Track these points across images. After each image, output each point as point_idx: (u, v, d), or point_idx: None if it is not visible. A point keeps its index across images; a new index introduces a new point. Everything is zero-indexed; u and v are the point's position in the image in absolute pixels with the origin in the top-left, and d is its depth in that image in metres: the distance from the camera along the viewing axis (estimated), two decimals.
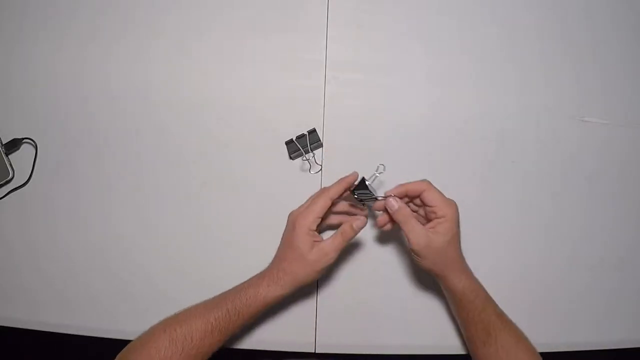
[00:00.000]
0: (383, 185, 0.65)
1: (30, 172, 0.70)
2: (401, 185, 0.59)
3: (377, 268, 0.68)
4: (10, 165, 0.69)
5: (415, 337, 0.66)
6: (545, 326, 0.66)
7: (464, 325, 0.61)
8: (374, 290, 0.67)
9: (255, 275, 0.61)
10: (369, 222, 0.68)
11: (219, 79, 0.73)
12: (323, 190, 0.61)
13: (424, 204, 0.60)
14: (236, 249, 0.68)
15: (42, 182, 0.70)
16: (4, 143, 0.70)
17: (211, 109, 0.72)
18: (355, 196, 0.60)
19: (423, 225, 0.58)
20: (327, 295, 0.67)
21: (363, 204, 0.63)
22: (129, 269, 0.67)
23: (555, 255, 0.69)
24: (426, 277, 0.67)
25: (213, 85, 0.72)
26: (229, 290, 0.60)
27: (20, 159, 0.70)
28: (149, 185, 0.70)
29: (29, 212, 0.69)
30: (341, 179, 0.61)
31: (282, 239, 0.61)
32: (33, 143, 0.70)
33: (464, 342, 0.64)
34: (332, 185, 0.61)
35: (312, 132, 0.69)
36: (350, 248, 0.68)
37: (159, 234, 0.68)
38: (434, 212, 0.58)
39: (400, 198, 0.59)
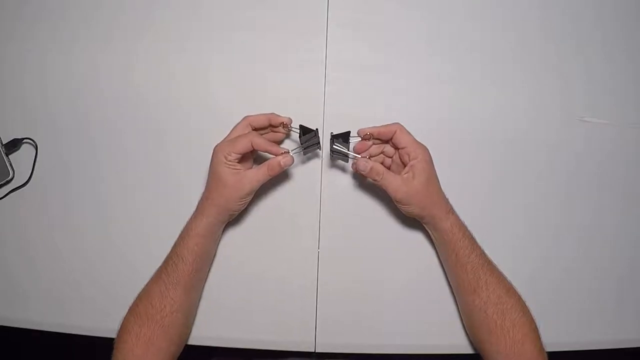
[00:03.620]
0: None
1: (30, 172, 0.70)
2: (374, 127, 0.62)
3: (377, 268, 0.68)
4: (10, 165, 0.69)
5: (416, 337, 0.66)
6: (556, 325, 0.66)
7: (454, 269, 0.61)
8: (374, 289, 0.67)
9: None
10: (373, 226, 0.69)
11: (217, 78, 0.73)
12: (244, 118, 0.63)
13: (396, 147, 0.62)
14: (235, 251, 0.68)
15: (42, 182, 0.70)
16: (4, 143, 0.70)
17: (210, 109, 0.72)
18: (334, 146, 0.62)
19: (399, 173, 0.61)
20: (327, 295, 0.66)
21: (332, 155, 0.65)
22: (128, 270, 0.67)
23: (560, 255, 0.69)
24: (426, 277, 0.67)
25: (212, 85, 0.72)
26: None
27: (20, 159, 0.70)
28: (149, 186, 0.70)
29: (29, 212, 0.69)
30: (272, 113, 0.64)
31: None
32: (33, 143, 0.70)
33: (466, 341, 0.64)
34: (256, 114, 0.63)
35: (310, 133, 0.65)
36: (350, 248, 0.68)
37: (159, 234, 0.68)
38: (407, 154, 0.60)
39: (372, 138, 0.62)
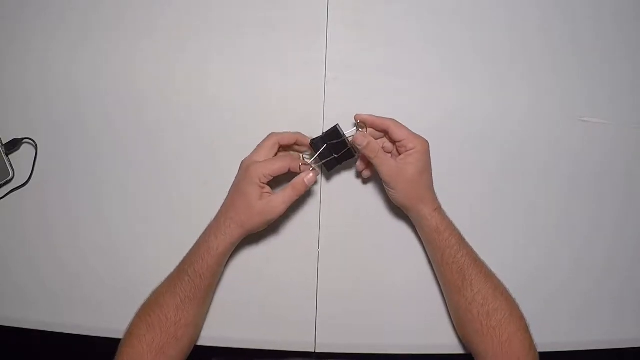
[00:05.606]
0: None
1: (30, 172, 0.70)
2: (371, 115, 0.62)
3: (376, 268, 0.68)
4: (10, 165, 0.69)
5: (416, 337, 0.66)
6: (555, 325, 0.66)
7: (440, 268, 0.61)
8: (374, 289, 0.67)
9: (205, 230, 0.61)
10: (372, 226, 0.69)
11: (217, 79, 0.73)
12: (270, 135, 0.62)
13: (393, 141, 0.62)
14: (235, 251, 0.68)
15: (42, 182, 0.70)
16: (4, 143, 0.70)
17: (210, 109, 0.72)
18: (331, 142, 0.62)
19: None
20: (327, 295, 0.67)
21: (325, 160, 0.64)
22: (129, 270, 0.67)
23: (561, 255, 0.69)
24: (426, 277, 0.67)
25: (212, 85, 0.72)
26: (187, 253, 0.61)
27: (20, 159, 0.70)
28: (149, 186, 0.70)
29: (29, 212, 0.69)
30: (298, 132, 0.63)
31: (232, 186, 0.62)
32: (33, 143, 0.70)
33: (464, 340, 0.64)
34: (283, 133, 0.62)
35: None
36: (350, 248, 0.68)
37: (159, 234, 0.68)
38: (404, 146, 0.60)
39: (366, 127, 0.63)
